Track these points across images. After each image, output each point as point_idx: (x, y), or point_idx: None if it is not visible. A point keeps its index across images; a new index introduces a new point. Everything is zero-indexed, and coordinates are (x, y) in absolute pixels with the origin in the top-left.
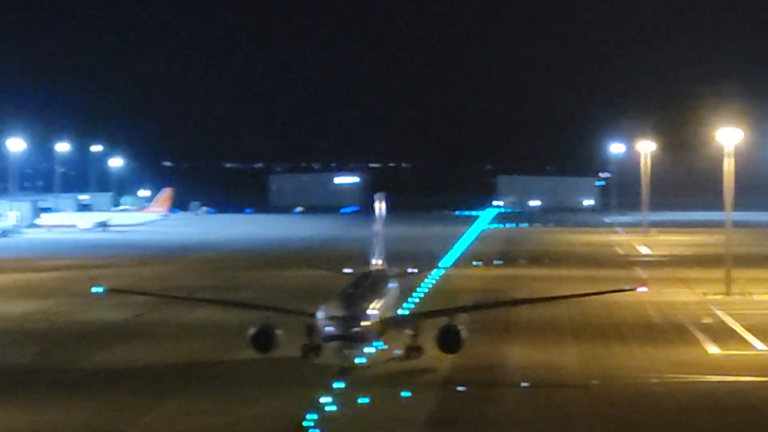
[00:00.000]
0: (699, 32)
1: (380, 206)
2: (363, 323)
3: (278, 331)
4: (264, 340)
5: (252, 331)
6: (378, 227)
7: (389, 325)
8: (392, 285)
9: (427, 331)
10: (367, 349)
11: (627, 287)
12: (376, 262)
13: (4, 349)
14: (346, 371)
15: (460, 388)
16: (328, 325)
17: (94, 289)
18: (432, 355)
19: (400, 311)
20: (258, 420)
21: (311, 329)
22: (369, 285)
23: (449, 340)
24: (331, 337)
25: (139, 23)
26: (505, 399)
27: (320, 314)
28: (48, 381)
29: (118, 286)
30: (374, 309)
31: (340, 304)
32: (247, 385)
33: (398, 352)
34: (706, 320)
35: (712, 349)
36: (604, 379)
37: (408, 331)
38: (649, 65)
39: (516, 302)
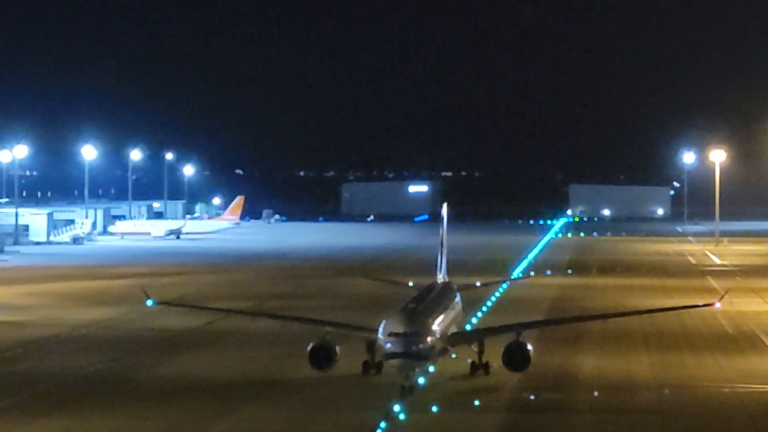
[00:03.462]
0: None
1: (444, 217)
2: (425, 340)
3: (337, 347)
4: (322, 356)
5: (310, 347)
6: (442, 238)
7: (453, 341)
8: (457, 299)
9: (495, 345)
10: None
11: (701, 303)
12: (441, 275)
13: (77, 357)
14: (407, 390)
15: (531, 397)
16: (389, 342)
17: (148, 302)
18: (498, 371)
19: (465, 326)
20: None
21: (372, 346)
22: (432, 299)
23: (516, 358)
24: (392, 355)
25: (214, 34)
26: (576, 409)
27: (381, 330)
28: (120, 389)
29: (189, 294)
30: (437, 325)
31: (402, 320)
32: (317, 397)
33: (469, 360)
34: None
35: None
36: (675, 388)
37: (473, 348)
38: (722, 74)
39: (586, 318)
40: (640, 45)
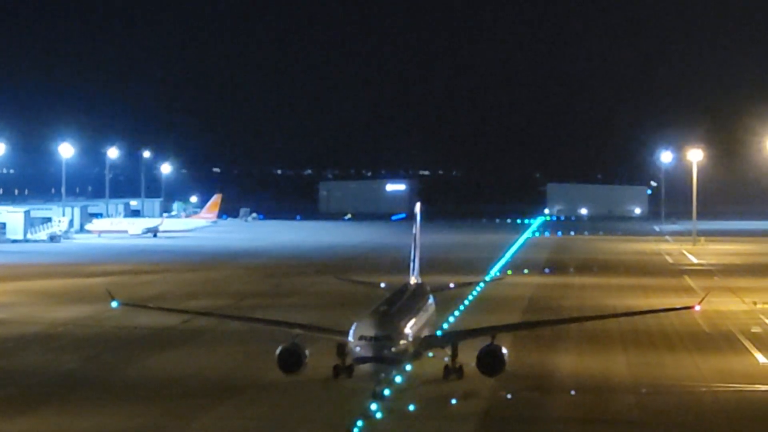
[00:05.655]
0: (750, 41)
1: (418, 216)
2: (397, 344)
3: (307, 350)
4: (291, 360)
5: (279, 349)
6: (415, 237)
7: (426, 345)
8: (430, 300)
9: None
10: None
11: (680, 306)
12: (414, 276)
13: (53, 355)
14: (378, 394)
15: (508, 396)
16: (359, 346)
17: (113, 304)
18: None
19: (438, 329)
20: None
21: (343, 349)
22: (405, 301)
23: (490, 363)
24: (362, 359)
25: (192, 33)
26: (553, 408)
27: (352, 333)
28: (97, 387)
29: (166, 292)
30: (410, 328)
31: (373, 323)
32: (289, 400)
33: (447, 358)
34: (756, 329)
35: (762, 358)
36: (653, 387)
37: (447, 351)
38: (699, 74)
39: (563, 321)
40: (618, 45)
